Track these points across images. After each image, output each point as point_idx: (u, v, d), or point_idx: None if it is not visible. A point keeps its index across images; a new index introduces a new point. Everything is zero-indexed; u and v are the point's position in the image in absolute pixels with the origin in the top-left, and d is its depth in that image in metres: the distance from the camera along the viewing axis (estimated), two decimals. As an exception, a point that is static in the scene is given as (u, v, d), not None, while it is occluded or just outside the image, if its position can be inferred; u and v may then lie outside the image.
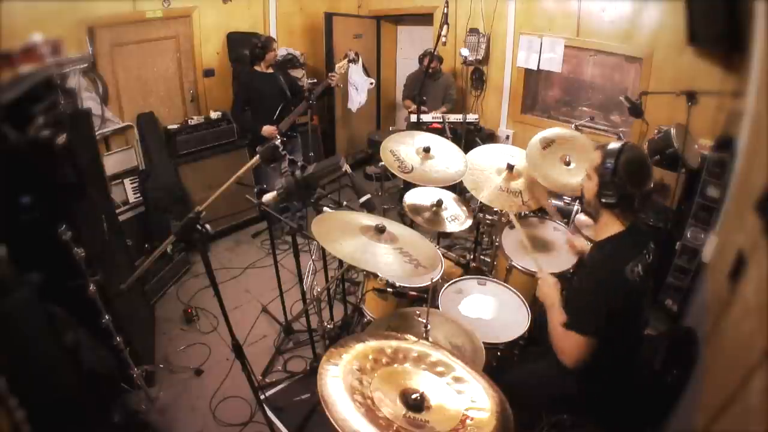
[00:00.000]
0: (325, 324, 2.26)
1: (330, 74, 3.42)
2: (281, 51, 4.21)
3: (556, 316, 1.53)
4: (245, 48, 3.96)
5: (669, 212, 2.82)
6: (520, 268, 2.17)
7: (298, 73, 4.25)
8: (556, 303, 1.60)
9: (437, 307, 1.88)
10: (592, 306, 1.43)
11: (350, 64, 3.58)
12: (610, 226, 1.52)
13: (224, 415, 2.22)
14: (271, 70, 3.49)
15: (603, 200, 1.48)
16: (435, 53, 3.45)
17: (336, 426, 0.95)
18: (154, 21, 3.48)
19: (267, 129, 3.38)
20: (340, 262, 2.34)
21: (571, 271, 2.17)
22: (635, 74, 3.45)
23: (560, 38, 3.69)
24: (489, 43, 4.18)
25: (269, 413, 2.11)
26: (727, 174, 2.02)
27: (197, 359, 2.58)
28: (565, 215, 2.90)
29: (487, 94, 4.40)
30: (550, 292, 1.65)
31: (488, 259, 2.89)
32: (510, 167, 2.36)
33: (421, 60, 4.16)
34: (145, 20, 3.42)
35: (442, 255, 2.16)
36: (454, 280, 2.07)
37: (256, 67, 3.44)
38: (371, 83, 4.55)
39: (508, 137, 4.30)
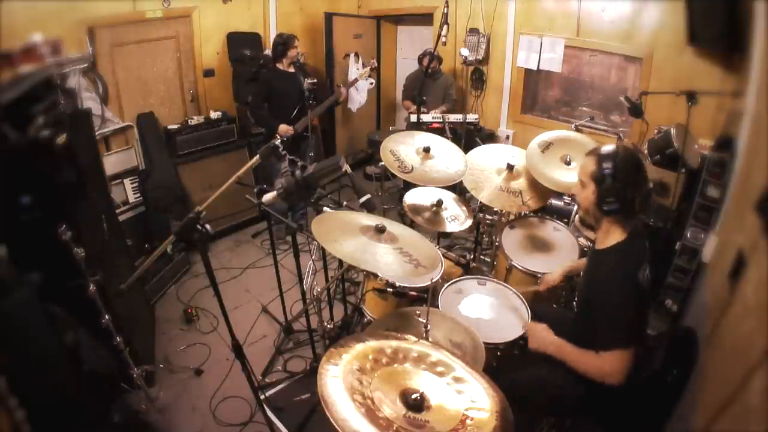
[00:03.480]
0: (325, 324, 2.26)
1: (339, 87, 3.47)
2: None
3: (572, 353, 1.47)
4: (245, 48, 3.97)
5: (669, 212, 2.81)
6: (520, 268, 2.17)
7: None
8: (560, 343, 1.53)
9: (437, 307, 1.88)
10: (626, 318, 1.37)
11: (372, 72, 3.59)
12: (612, 234, 1.46)
13: (224, 415, 2.22)
14: (292, 69, 3.52)
15: (605, 208, 1.42)
16: (434, 53, 3.45)
17: (336, 426, 0.95)
18: (154, 21, 3.48)
19: (283, 128, 3.41)
20: (340, 262, 2.34)
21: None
22: (635, 74, 3.45)
23: (560, 38, 3.69)
24: (489, 43, 4.18)
25: (269, 413, 2.11)
26: (727, 174, 2.02)
27: (197, 359, 2.58)
28: (565, 215, 2.91)
29: (487, 94, 4.40)
30: (546, 339, 1.57)
31: (488, 259, 2.89)
32: (510, 167, 2.37)
33: (420, 60, 4.16)
34: (145, 20, 3.42)
35: (442, 255, 2.16)
36: (454, 280, 2.07)
37: (278, 65, 3.48)
38: (371, 83, 4.55)
39: (508, 137, 4.30)
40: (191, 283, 3.28)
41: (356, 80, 3.81)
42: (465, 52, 3.96)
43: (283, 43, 3.41)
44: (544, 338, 1.58)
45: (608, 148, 1.46)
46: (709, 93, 2.63)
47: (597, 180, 1.43)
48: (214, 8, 3.89)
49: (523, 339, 1.77)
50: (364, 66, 4.50)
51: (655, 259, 1.51)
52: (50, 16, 2.77)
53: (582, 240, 2.42)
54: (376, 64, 3.61)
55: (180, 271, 3.34)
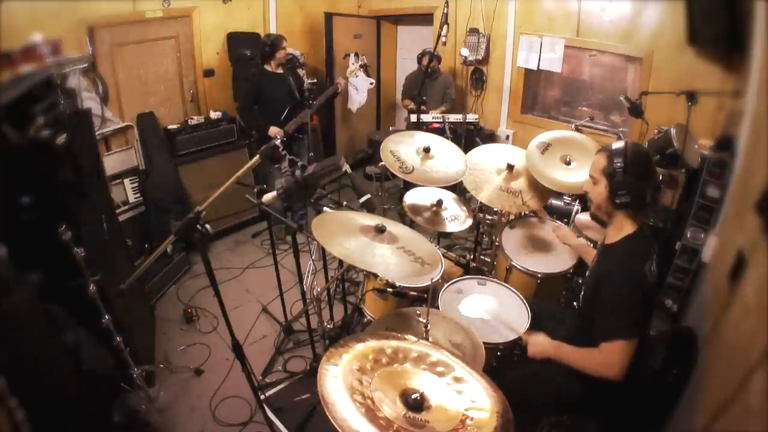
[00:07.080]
0: (325, 324, 2.26)
1: (337, 80, 3.44)
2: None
3: (571, 352, 1.52)
4: (245, 48, 3.96)
5: (669, 212, 2.82)
6: (520, 268, 2.17)
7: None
8: (558, 344, 1.58)
9: (437, 307, 1.88)
10: (630, 308, 1.40)
11: (361, 69, 3.57)
12: (624, 228, 1.51)
13: (224, 415, 2.22)
14: (281, 70, 3.49)
15: (617, 201, 1.47)
16: (434, 53, 3.45)
17: (336, 426, 0.95)
18: (154, 21, 3.48)
19: (273, 130, 3.39)
20: (340, 262, 2.33)
21: (572, 271, 2.18)
22: (635, 74, 3.45)
23: (560, 38, 3.70)
24: (489, 43, 4.18)
25: (269, 413, 2.11)
26: (727, 174, 2.01)
27: (197, 359, 2.58)
28: (565, 215, 2.90)
29: (487, 94, 4.40)
30: (544, 343, 1.62)
31: (488, 259, 2.89)
32: (510, 167, 2.36)
33: (419, 59, 4.16)
34: (145, 20, 3.42)
35: (442, 255, 2.16)
36: (454, 280, 2.07)
37: (266, 66, 3.45)
38: (371, 83, 4.55)
39: (508, 137, 4.30)
40: (191, 283, 3.28)
41: (346, 78, 3.78)
42: (465, 52, 3.97)
43: (271, 44, 3.37)
44: (542, 343, 1.62)
45: (618, 144, 1.50)
46: (709, 93, 2.63)
47: (609, 175, 1.49)
48: (214, 8, 3.90)
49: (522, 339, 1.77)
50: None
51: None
52: (50, 16, 2.77)
53: (582, 240, 2.41)
54: (366, 61, 3.58)
55: (180, 271, 3.34)
